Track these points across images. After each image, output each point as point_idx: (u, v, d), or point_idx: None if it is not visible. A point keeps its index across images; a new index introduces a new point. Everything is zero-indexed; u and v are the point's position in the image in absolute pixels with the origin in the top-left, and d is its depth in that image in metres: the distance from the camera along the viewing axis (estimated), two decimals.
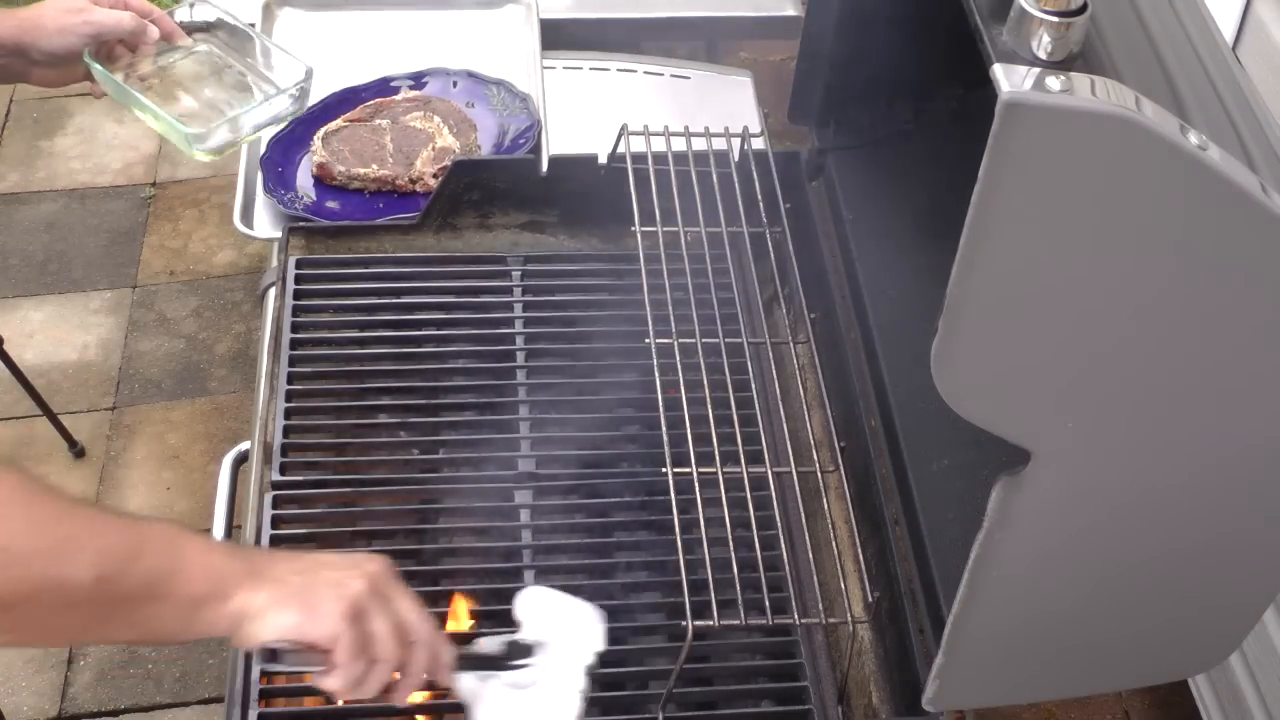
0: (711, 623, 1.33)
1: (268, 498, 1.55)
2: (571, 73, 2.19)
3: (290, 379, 1.67)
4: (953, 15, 1.05)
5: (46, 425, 2.78)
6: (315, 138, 1.97)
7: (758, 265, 1.73)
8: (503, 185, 1.84)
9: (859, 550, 1.44)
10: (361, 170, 1.92)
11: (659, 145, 1.72)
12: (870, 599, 1.39)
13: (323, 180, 1.94)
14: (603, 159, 1.79)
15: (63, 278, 3.19)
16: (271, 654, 1.11)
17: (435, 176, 1.92)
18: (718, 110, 2.03)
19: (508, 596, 1.50)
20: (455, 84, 2.09)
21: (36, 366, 2.96)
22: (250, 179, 1.96)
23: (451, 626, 1.42)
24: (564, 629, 1.27)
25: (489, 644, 1.25)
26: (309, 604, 1.07)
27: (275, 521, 1.54)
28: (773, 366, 1.61)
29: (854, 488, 1.49)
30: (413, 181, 1.93)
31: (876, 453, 1.53)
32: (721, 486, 1.43)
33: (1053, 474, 1.07)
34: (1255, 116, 1.08)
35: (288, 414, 1.63)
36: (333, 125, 1.99)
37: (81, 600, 0.97)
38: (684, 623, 1.32)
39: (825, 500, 1.46)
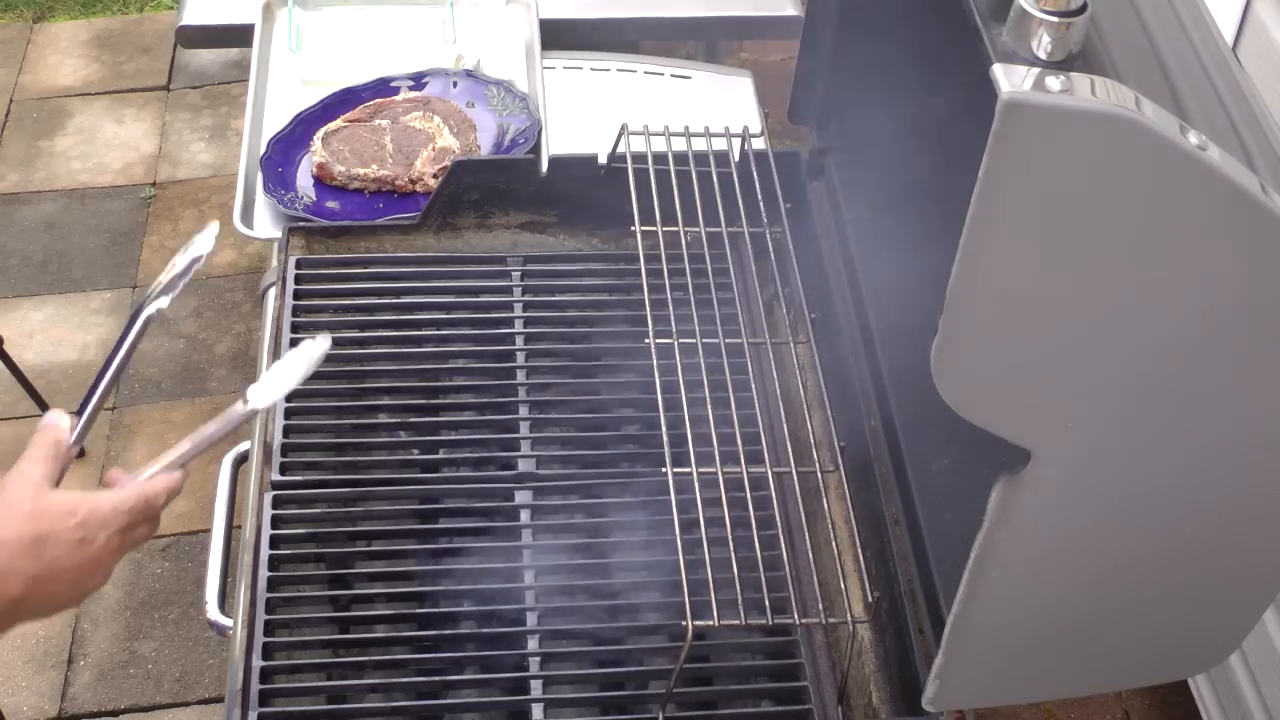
0: (711, 623, 1.33)
1: (268, 498, 1.55)
2: (571, 73, 2.19)
3: None
4: (953, 15, 1.05)
5: None
6: (315, 138, 1.97)
7: (758, 265, 1.73)
8: (503, 185, 1.84)
9: (859, 550, 1.44)
10: (361, 170, 1.93)
11: (659, 145, 1.72)
12: (870, 599, 1.39)
13: (323, 180, 1.94)
14: (603, 159, 1.79)
15: (63, 278, 3.19)
16: None
17: (435, 176, 1.92)
18: (718, 110, 2.03)
19: (508, 596, 1.51)
20: (455, 84, 2.09)
21: (36, 366, 2.96)
22: (250, 179, 1.96)
23: None
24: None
25: None
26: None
27: (275, 521, 1.54)
28: (773, 366, 1.61)
29: (854, 488, 1.49)
30: (413, 182, 1.93)
31: (876, 453, 1.52)
32: (721, 486, 1.43)
33: (1053, 474, 1.07)
34: (1255, 116, 1.08)
35: (288, 414, 1.63)
36: (332, 125, 1.99)
37: None
38: (684, 623, 1.32)
39: (825, 500, 1.46)
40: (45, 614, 1.14)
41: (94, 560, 1.15)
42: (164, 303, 1.34)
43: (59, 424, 1.24)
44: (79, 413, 1.31)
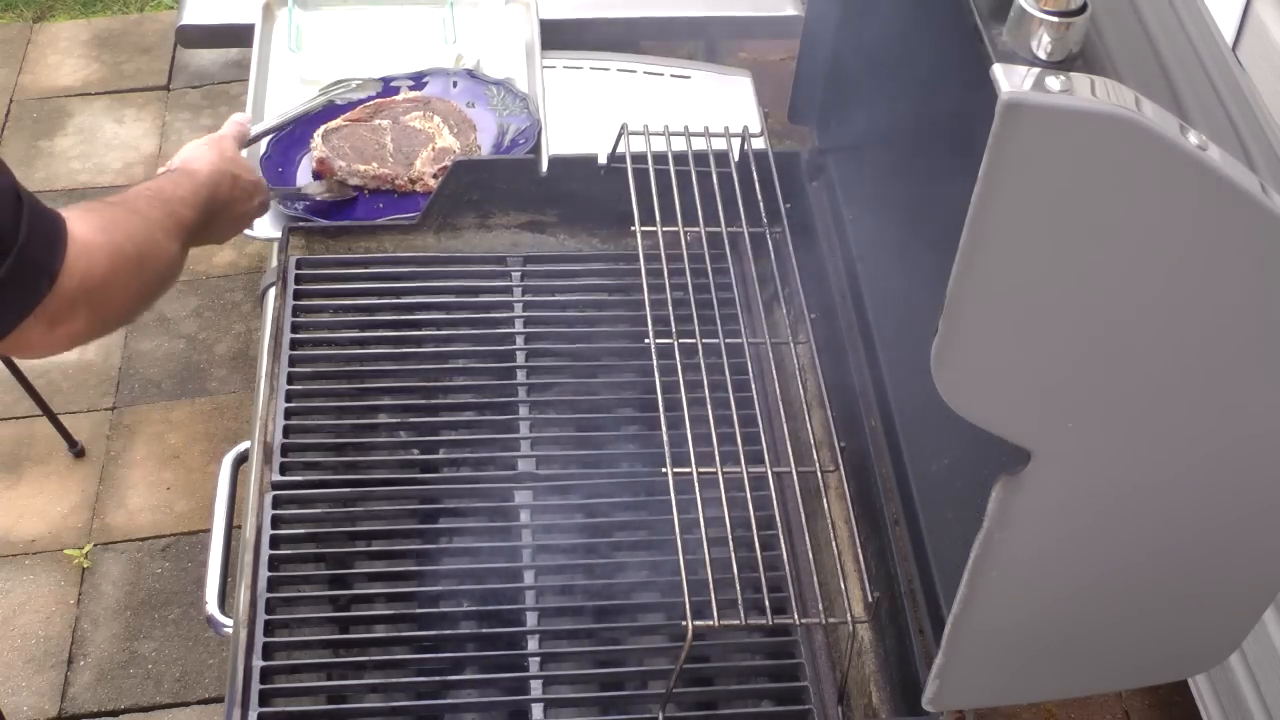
0: (711, 623, 1.33)
1: (268, 498, 1.55)
2: (571, 73, 2.19)
3: (290, 379, 1.67)
4: (953, 15, 1.05)
5: (46, 425, 2.78)
6: (315, 135, 1.97)
7: (758, 265, 1.73)
8: (503, 185, 1.84)
9: (859, 550, 1.44)
10: (361, 167, 1.92)
11: (659, 145, 1.72)
12: (870, 599, 1.39)
13: (322, 175, 1.94)
14: (603, 159, 1.79)
15: None
16: None
17: (435, 177, 1.92)
18: (718, 110, 2.03)
19: (508, 596, 1.51)
20: (455, 84, 2.09)
21: (36, 366, 2.95)
22: None
23: None
24: None
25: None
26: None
27: (275, 521, 1.54)
28: (773, 366, 1.61)
29: (854, 488, 1.49)
30: (412, 181, 1.93)
31: (876, 453, 1.53)
32: (721, 486, 1.43)
33: (1053, 474, 1.07)
34: (1255, 116, 1.08)
35: (288, 414, 1.63)
36: (332, 124, 1.99)
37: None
38: (684, 623, 1.32)
39: (825, 500, 1.46)
40: (215, 237, 1.57)
41: (247, 213, 1.64)
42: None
43: (245, 119, 1.74)
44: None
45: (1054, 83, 0.89)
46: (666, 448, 1.44)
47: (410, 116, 2.01)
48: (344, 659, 1.47)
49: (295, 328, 1.72)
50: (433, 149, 1.96)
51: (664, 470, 1.42)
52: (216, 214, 1.54)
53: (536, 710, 1.41)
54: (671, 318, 1.56)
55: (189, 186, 1.49)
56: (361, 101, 2.02)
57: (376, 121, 2.00)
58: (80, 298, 1.22)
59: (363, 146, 1.95)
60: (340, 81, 2.04)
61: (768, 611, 1.35)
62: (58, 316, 1.21)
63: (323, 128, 1.98)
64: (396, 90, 2.08)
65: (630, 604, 1.52)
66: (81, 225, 1.24)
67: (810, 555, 1.48)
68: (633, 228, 1.63)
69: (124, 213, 1.34)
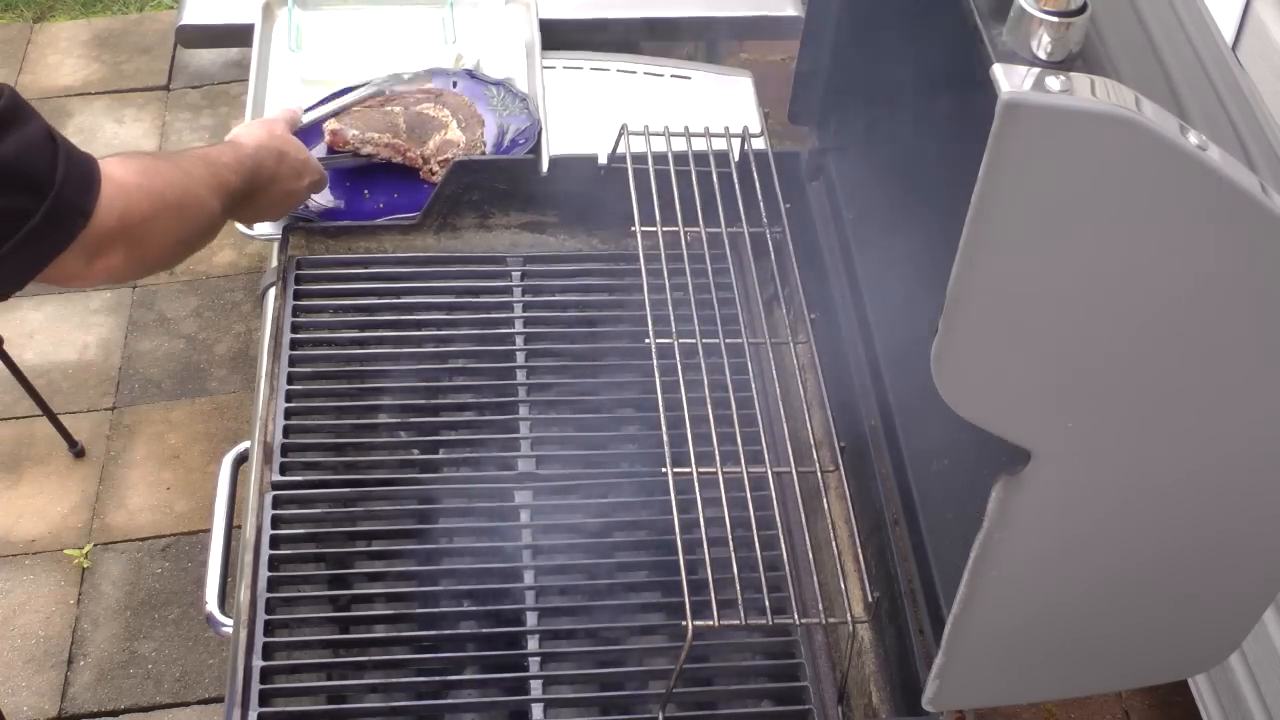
0: (711, 623, 1.33)
1: (268, 498, 1.56)
2: (571, 73, 2.18)
3: (290, 379, 1.67)
4: (953, 15, 1.05)
5: (46, 425, 2.78)
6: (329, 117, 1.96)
7: (758, 265, 1.73)
8: (503, 185, 1.84)
9: (859, 550, 1.44)
10: (375, 135, 1.91)
11: (659, 145, 1.72)
12: (870, 599, 1.39)
13: (335, 147, 1.92)
14: (603, 159, 1.79)
15: None
16: None
17: (440, 165, 1.91)
18: (718, 110, 2.03)
19: (508, 596, 1.51)
20: (455, 84, 2.09)
21: (36, 366, 2.96)
22: None
23: None
24: None
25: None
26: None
27: (275, 521, 1.54)
28: (773, 366, 1.61)
29: (854, 488, 1.49)
30: (425, 160, 1.92)
31: (876, 453, 1.53)
32: (721, 486, 1.43)
33: (1053, 474, 1.07)
34: (1255, 116, 1.08)
35: (288, 414, 1.63)
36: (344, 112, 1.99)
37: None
38: (684, 623, 1.32)
39: (825, 500, 1.46)
40: (265, 212, 1.68)
41: (296, 190, 1.69)
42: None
43: (298, 106, 1.88)
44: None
45: (1054, 83, 0.89)
46: (666, 448, 1.44)
47: (422, 107, 2.01)
48: (344, 659, 1.47)
49: (295, 328, 1.72)
50: (443, 137, 1.95)
51: (664, 470, 1.42)
52: (262, 188, 1.60)
53: (536, 710, 1.41)
54: (671, 318, 1.56)
55: (233, 155, 1.56)
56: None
57: (389, 108, 1.99)
58: (119, 234, 1.31)
59: (377, 123, 1.94)
60: (392, 75, 2.05)
61: (768, 611, 1.35)
62: (97, 250, 1.30)
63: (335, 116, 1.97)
64: None
65: (630, 604, 1.52)
66: (120, 169, 1.34)
67: (810, 555, 1.48)
68: (633, 228, 1.63)
69: (165, 164, 1.43)
